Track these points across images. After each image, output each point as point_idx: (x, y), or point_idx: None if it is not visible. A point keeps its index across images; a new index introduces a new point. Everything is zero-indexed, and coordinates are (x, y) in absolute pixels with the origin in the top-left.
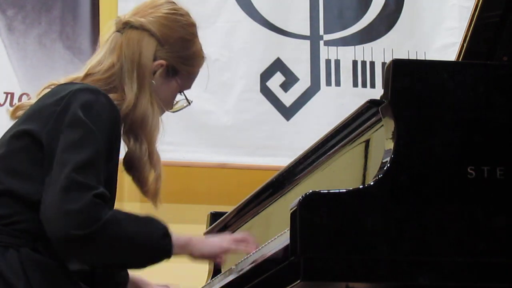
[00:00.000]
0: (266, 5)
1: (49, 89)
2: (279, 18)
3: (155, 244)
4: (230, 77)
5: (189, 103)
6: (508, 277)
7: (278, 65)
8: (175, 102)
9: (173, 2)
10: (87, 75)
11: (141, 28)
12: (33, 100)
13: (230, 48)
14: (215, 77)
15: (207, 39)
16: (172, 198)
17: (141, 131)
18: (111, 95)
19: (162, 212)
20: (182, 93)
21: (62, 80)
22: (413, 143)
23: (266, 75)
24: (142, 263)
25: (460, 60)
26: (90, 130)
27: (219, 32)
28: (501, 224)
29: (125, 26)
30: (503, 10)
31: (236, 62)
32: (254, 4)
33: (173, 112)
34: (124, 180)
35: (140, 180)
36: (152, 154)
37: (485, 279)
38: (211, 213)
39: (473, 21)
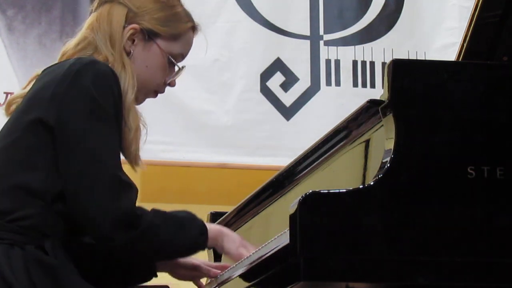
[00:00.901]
0: (266, 5)
1: (35, 79)
2: (279, 18)
3: (193, 242)
4: (230, 77)
5: (180, 68)
6: (508, 277)
7: (278, 65)
8: (174, 74)
9: None
10: (62, 55)
11: (110, 0)
12: (23, 92)
13: (230, 48)
14: (215, 77)
15: (207, 39)
16: (172, 198)
17: None
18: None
19: None
20: (171, 60)
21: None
22: (413, 143)
23: (266, 75)
24: (178, 257)
25: (460, 60)
26: (110, 117)
27: (219, 32)
28: (501, 224)
29: (97, 5)
30: (503, 10)
31: (236, 62)
32: (254, 4)
33: (172, 84)
34: None
35: None
36: (127, 115)
37: (485, 279)
38: (211, 213)
39: (473, 21)
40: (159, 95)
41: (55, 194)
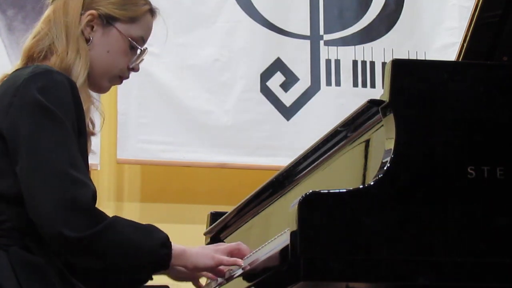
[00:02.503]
0: (266, 5)
1: (1, 82)
2: (279, 18)
3: (152, 252)
4: (230, 77)
5: (142, 50)
6: (508, 277)
7: (278, 65)
8: (136, 57)
9: None
10: (23, 54)
11: None
12: None
13: (230, 48)
14: (215, 77)
15: (207, 39)
16: (172, 198)
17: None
18: (52, 60)
19: (162, 212)
20: (132, 43)
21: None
22: (413, 143)
23: (266, 75)
24: (137, 271)
25: (460, 60)
26: (59, 118)
27: (219, 32)
28: (501, 224)
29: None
30: (503, 10)
31: (236, 62)
32: (254, 4)
33: (135, 69)
34: (124, 180)
35: None
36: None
37: (485, 279)
38: (211, 213)
39: (473, 21)
40: (159, 94)
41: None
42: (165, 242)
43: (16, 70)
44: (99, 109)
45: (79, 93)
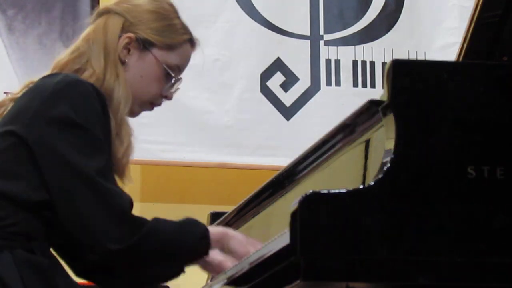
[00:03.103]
0: (266, 5)
1: (27, 88)
2: (279, 18)
3: (193, 248)
4: (230, 77)
5: (177, 79)
6: (508, 277)
7: (278, 65)
8: (170, 85)
9: None
10: (54, 68)
11: (107, 12)
12: (15, 96)
13: (230, 48)
14: (215, 77)
15: (207, 39)
16: (172, 198)
17: (110, 105)
18: (85, 74)
19: (162, 212)
20: (167, 70)
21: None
22: (413, 143)
23: (266, 75)
24: (179, 266)
25: (460, 60)
26: (88, 130)
27: (219, 32)
28: (501, 224)
29: (95, 18)
30: (503, 10)
31: (236, 62)
32: (254, 4)
33: (169, 97)
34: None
35: None
36: (119, 128)
37: (485, 279)
38: (211, 213)
39: (473, 21)
40: None
41: (38, 203)
42: (204, 233)
43: (44, 77)
44: (133, 144)
45: (121, 124)
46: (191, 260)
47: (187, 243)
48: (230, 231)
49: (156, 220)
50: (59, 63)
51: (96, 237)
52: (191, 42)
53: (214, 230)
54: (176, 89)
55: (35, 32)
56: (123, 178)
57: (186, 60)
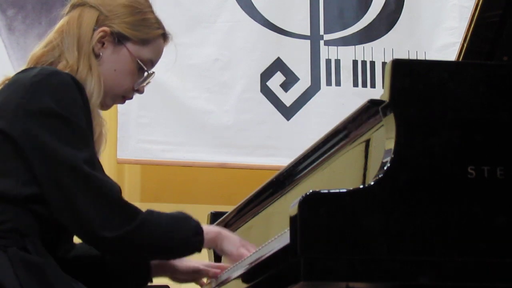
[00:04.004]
0: (266, 5)
1: (3, 85)
2: (279, 18)
3: (187, 242)
4: (230, 77)
5: (149, 73)
6: (508, 277)
7: (278, 65)
8: (142, 79)
9: None
10: (30, 59)
11: (82, 4)
12: None
13: (230, 48)
14: (215, 77)
15: (207, 39)
16: (172, 198)
17: None
18: (59, 66)
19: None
20: (141, 64)
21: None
22: (413, 143)
23: (266, 75)
24: (172, 258)
25: (460, 60)
26: (70, 121)
27: (219, 32)
28: (501, 224)
29: (69, 9)
30: (503, 10)
31: (236, 62)
32: (254, 4)
33: (140, 91)
34: (124, 180)
35: None
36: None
37: (485, 279)
38: (211, 213)
39: (473, 21)
40: (160, 94)
41: (28, 197)
42: (197, 229)
43: (19, 72)
44: (105, 135)
45: (92, 114)
46: (183, 255)
47: (181, 238)
48: (224, 231)
49: (150, 212)
50: (33, 57)
51: (92, 225)
52: (164, 37)
53: (209, 229)
54: (148, 83)
55: (35, 32)
56: None
57: (158, 55)
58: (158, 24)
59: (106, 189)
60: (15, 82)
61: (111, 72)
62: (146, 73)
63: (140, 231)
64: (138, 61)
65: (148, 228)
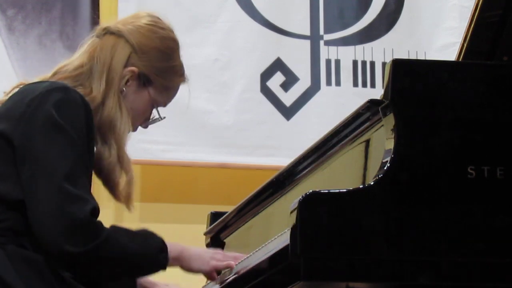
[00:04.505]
0: (266, 5)
1: (17, 89)
2: (279, 18)
3: (151, 260)
4: (230, 77)
5: (161, 118)
6: (508, 277)
7: (278, 65)
8: (151, 117)
9: (157, 16)
10: (54, 74)
11: (118, 34)
12: (3, 99)
13: (230, 48)
14: (215, 77)
15: (207, 39)
16: (172, 198)
17: (110, 134)
18: (79, 89)
19: (162, 212)
20: (155, 107)
21: (31, 80)
22: (413, 143)
23: (266, 75)
24: (137, 276)
25: (460, 60)
26: (69, 134)
27: (219, 32)
28: (501, 224)
29: (103, 32)
30: (503, 10)
31: (236, 62)
32: (254, 4)
33: (145, 127)
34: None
35: (110, 184)
36: (122, 158)
37: (485, 279)
38: (211, 213)
39: (473, 21)
40: None
41: (22, 201)
42: (162, 247)
43: (35, 82)
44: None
45: (123, 156)
46: (149, 272)
47: (146, 254)
48: (186, 249)
49: (115, 228)
50: (60, 72)
51: (53, 239)
52: (183, 82)
53: (171, 247)
54: (155, 123)
55: (35, 32)
56: (128, 205)
57: (173, 97)
58: (182, 70)
59: (75, 206)
60: (26, 90)
61: (128, 109)
62: (157, 117)
63: (105, 247)
64: (155, 105)
65: (112, 244)
